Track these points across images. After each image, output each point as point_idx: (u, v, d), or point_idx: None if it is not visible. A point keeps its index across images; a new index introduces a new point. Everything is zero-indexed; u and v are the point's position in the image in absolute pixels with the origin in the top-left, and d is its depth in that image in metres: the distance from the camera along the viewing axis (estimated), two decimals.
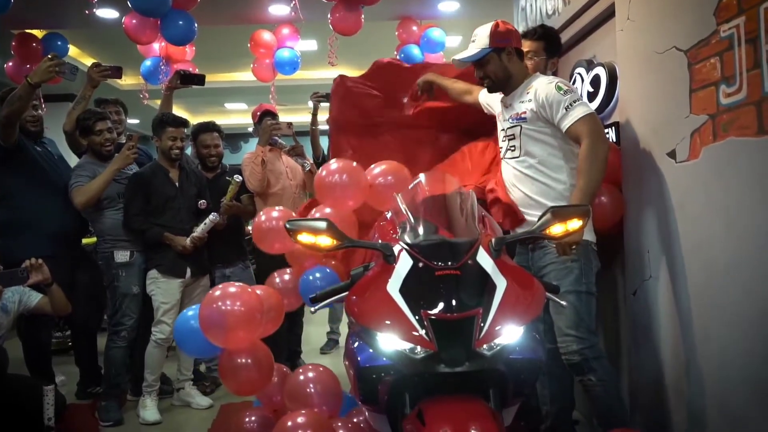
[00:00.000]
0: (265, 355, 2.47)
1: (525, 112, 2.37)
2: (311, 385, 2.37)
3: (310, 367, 2.49)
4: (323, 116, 3.97)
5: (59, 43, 4.89)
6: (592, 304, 2.32)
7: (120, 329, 3.41)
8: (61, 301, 2.97)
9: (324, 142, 4.21)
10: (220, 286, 2.50)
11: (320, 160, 4.30)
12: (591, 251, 2.33)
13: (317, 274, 2.62)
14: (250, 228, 4.96)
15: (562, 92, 2.28)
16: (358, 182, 2.69)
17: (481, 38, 2.39)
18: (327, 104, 3.71)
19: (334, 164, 2.72)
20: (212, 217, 3.49)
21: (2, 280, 2.72)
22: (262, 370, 2.45)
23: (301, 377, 2.42)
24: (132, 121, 11.44)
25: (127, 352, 3.48)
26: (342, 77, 3.08)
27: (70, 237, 3.60)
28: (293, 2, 4.45)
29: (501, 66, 2.41)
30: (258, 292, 2.53)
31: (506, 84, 2.46)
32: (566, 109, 2.25)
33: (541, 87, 2.33)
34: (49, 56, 3.20)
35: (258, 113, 4.24)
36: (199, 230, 3.48)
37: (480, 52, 2.38)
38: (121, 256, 3.43)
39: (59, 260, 3.19)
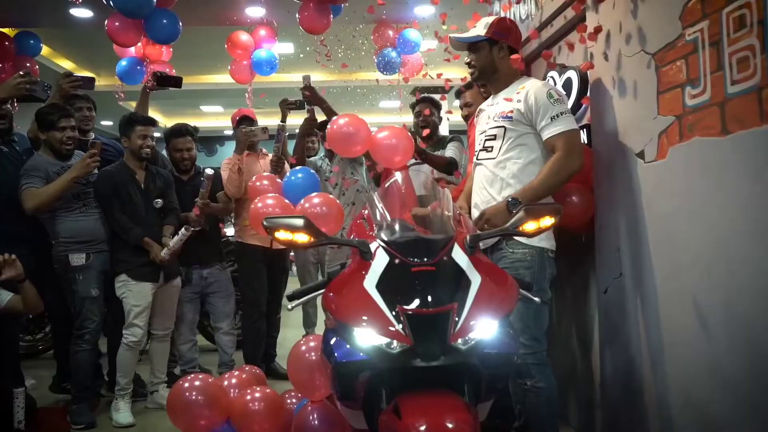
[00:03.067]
0: (273, 400, 2.51)
1: (512, 111, 2.34)
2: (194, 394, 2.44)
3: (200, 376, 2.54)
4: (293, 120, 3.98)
5: (32, 41, 4.80)
6: (541, 312, 2.27)
7: (83, 332, 3.35)
8: (33, 298, 2.91)
9: (290, 148, 4.23)
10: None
11: None
12: (546, 258, 2.30)
13: (299, 175, 3.17)
14: (227, 231, 4.95)
15: (552, 100, 2.27)
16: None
17: (481, 26, 2.43)
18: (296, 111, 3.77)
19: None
20: (184, 231, 3.42)
21: None
22: (270, 413, 2.47)
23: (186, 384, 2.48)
24: (106, 123, 11.28)
25: (94, 354, 3.42)
26: None
27: (36, 238, 3.48)
28: (269, 17, 4.45)
29: (489, 58, 2.43)
30: (233, 380, 2.63)
31: (490, 78, 2.48)
32: (551, 119, 2.26)
33: (533, 89, 2.32)
34: (21, 73, 3.14)
35: (236, 118, 4.25)
36: (173, 243, 3.41)
37: (474, 37, 2.42)
38: (77, 259, 3.33)
39: (23, 261, 3.11)
